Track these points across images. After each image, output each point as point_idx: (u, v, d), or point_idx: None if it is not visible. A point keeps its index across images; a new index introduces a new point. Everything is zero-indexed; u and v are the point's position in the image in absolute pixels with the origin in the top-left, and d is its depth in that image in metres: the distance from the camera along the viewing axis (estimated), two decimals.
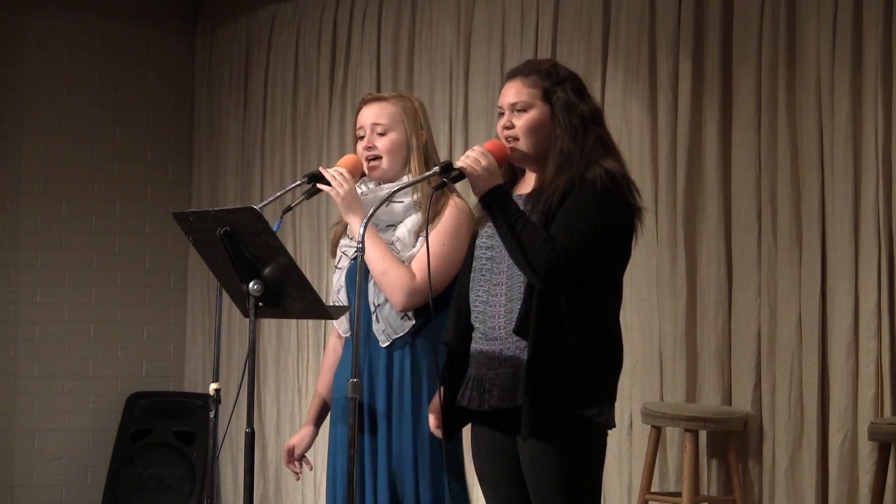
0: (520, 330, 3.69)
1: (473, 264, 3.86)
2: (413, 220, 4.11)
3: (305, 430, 4.32)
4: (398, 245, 4.08)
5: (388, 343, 4.10)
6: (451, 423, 3.87)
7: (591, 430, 3.69)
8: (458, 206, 4.09)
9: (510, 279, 3.75)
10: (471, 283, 3.85)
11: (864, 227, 5.23)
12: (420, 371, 4.08)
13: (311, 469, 4.36)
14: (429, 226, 4.03)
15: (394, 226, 4.12)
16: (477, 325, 3.81)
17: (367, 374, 4.12)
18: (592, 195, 3.65)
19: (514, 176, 3.88)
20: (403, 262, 4.07)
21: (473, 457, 3.91)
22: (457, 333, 3.87)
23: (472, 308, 3.82)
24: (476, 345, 3.82)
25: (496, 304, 3.77)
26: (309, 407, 4.37)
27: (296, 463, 4.29)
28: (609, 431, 3.78)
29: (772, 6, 5.56)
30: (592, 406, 3.66)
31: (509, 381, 3.72)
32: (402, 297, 4.03)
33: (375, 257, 4.03)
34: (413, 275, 4.03)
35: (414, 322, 4.08)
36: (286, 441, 7.72)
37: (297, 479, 4.41)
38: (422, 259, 4.03)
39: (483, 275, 3.82)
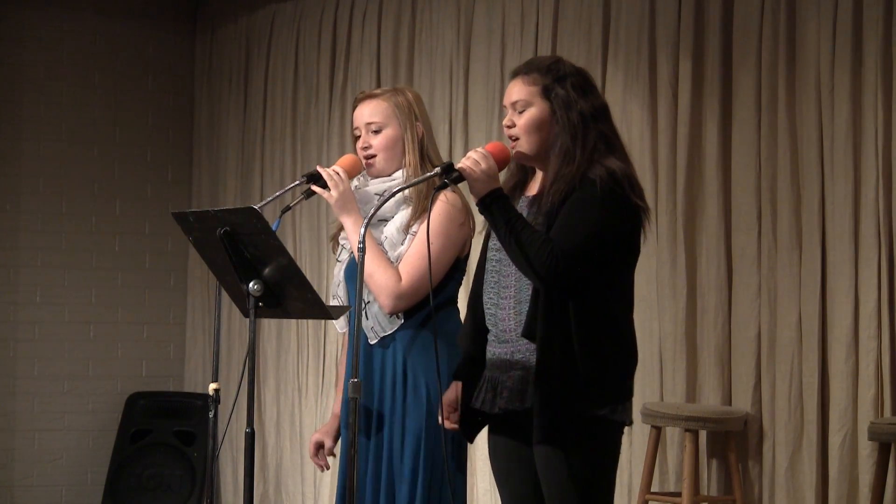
0: (528, 333, 3.68)
1: (486, 266, 3.85)
2: (402, 217, 4.09)
3: (330, 425, 4.28)
4: (386, 244, 4.07)
5: (376, 340, 4.10)
6: (471, 425, 3.87)
7: (603, 428, 3.67)
8: (448, 201, 4.05)
9: (518, 281, 3.73)
10: (483, 286, 3.84)
11: (864, 227, 5.23)
12: (414, 369, 4.06)
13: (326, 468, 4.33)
14: (419, 223, 4.03)
15: (385, 220, 4.11)
16: (490, 328, 3.81)
17: (360, 373, 4.12)
18: (593, 196, 3.62)
19: (525, 176, 3.87)
20: (392, 261, 4.06)
21: (490, 457, 3.91)
22: (472, 335, 3.86)
23: (485, 311, 3.82)
24: (490, 347, 3.81)
25: (506, 307, 3.76)
26: (330, 418, 4.35)
27: (321, 456, 4.27)
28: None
29: (772, 6, 5.56)
30: (604, 405, 3.64)
31: (518, 384, 3.71)
32: (388, 301, 4.02)
33: (365, 258, 4.02)
34: (399, 278, 4.01)
35: (402, 321, 4.08)
36: (286, 441, 7.76)
37: (323, 472, 4.37)
38: (409, 261, 4.02)
39: (493, 276, 3.82)
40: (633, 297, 3.81)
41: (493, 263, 3.81)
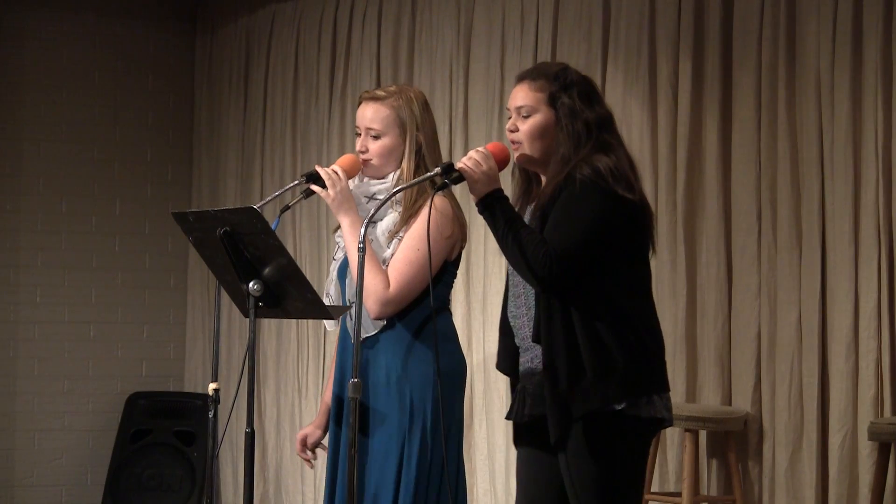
0: (536, 336, 3.68)
1: (508, 280, 3.84)
2: (389, 220, 4.08)
3: (314, 427, 4.29)
4: (373, 246, 4.07)
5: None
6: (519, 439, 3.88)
7: (623, 425, 3.63)
8: (437, 207, 4.01)
9: (527, 287, 3.73)
10: (508, 301, 3.84)
11: (864, 227, 5.23)
12: (398, 371, 4.04)
13: (314, 461, 4.33)
14: (406, 229, 4.02)
15: (374, 222, 4.11)
16: (516, 340, 3.82)
17: (340, 371, 4.13)
18: (575, 194, 3.61)
19: (530, 185, 3.86)
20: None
21: (517, 460, 3.91)
22: (506, 357, 3.86)
23: (510, 324, 3.82)
24: (521, 358, 3.81)
25: (521, 315, 3.76)
26: (318, 412, 4.35)
27: (309, 452, 4.27)
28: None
29: (772, 6, 5.56)
30: (620, 400, 3.61)
31: (539, 389, 3.70)
32: (375, 307, 4.00)
33: (356, 260, 4.03)
34: (388, 284, 4.00)
35: (384, 322, 4.07)
36: (286, 441, 7.76)
37: (311, 468, 4.37)
38: (397, 268, 4.01)
39: (510, 289, 3.82)
40: (649, 288, 3.75)
41: (509, 276, 3.81)
